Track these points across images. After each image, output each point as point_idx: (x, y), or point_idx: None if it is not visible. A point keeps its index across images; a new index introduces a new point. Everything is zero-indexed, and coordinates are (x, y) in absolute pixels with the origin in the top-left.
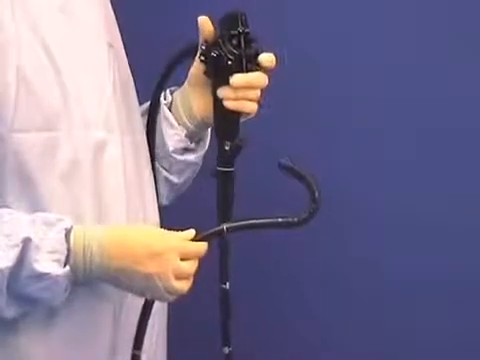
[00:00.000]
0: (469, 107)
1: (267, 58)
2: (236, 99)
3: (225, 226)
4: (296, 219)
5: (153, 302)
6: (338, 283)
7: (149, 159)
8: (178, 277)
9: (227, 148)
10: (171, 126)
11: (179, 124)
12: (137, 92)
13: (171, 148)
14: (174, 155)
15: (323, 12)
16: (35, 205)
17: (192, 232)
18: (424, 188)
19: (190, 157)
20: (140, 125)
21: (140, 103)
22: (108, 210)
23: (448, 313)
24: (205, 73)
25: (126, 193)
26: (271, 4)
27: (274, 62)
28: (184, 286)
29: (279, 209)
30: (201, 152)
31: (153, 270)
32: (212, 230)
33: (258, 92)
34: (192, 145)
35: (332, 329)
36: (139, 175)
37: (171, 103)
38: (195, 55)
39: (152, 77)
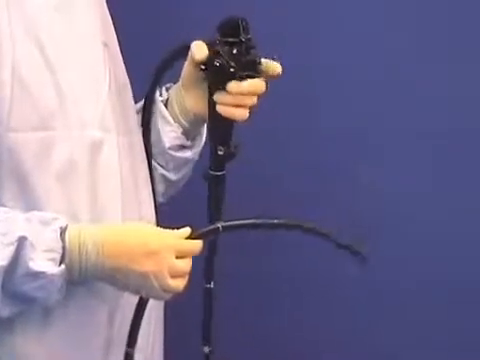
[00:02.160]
0: (471, 108)
1: (273, 67)
2: (231, 105)
3: (221, 224)
4: (293, 221)
5: (147, 300)
6: (335, 284)
7: (145, 158)
8: (174, 275)
9: (221, 153)
10: (167, 123)
11: (175, 121)
12: (133, 92)
13: (167, 145)
14: (170, 152)
15: (323, 12)
16: (31, 204)
17: (188, 230)
18: (424, 190)
19: (186, 154)
20: (136, 125)
21: (135, 102)
22: (104, 209)
23: (447, 317)
24: (204, 78)
25: (122, 192)
26: (269, 5)
27: (278, 70)
28: (180, 284)
29: (276, 210)
30: (197, 149)
31: (149, 268)
32: (207, 228)
33: (255, 99)
34: (188, 142)
35: (327, 333)
36: (135, 174)
37: (167, 100)
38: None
39: (148, 77)
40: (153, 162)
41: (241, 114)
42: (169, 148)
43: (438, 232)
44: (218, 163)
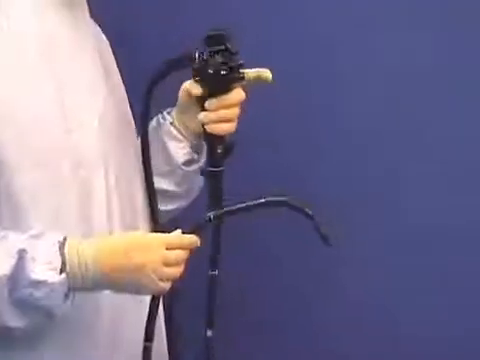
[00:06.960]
0: (471, 111)
1: (265, 75)
2: (217, 122)
3: (210, 214)
4: (283, 198)
5: (159, 297)
6: (334, 278)
7: (143, 186)
8: (168, 264)
9: (220, 151)
10: (178, 140)
11: (184, 138)
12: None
13: (181, 160)
14: (184, 167)
15: (316, 14)
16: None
17: (178, 232)
18: (424, 192)
19: (195, 166)
20: (134, 157)
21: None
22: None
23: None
24: (203, 92)
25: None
26: (263, 7)
27: (269, 77)
28: (175, 271)
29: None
30: (203, 159)
31: (143, 260)
32: (197, 223)
33: (237, 110)
34: (196, 155)
35: (327, 325)
36: (131, 202)
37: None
38: (181, 68)
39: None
40: (162, 184)
41: (229, 127)
42: (182, 164)
43: (439, 235)
44: (217, 160)
